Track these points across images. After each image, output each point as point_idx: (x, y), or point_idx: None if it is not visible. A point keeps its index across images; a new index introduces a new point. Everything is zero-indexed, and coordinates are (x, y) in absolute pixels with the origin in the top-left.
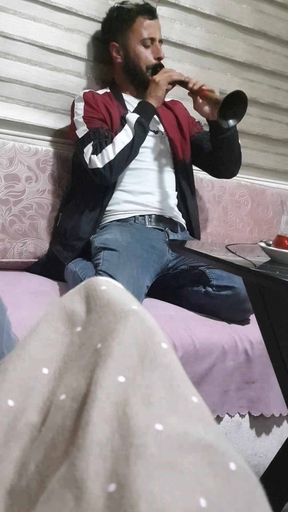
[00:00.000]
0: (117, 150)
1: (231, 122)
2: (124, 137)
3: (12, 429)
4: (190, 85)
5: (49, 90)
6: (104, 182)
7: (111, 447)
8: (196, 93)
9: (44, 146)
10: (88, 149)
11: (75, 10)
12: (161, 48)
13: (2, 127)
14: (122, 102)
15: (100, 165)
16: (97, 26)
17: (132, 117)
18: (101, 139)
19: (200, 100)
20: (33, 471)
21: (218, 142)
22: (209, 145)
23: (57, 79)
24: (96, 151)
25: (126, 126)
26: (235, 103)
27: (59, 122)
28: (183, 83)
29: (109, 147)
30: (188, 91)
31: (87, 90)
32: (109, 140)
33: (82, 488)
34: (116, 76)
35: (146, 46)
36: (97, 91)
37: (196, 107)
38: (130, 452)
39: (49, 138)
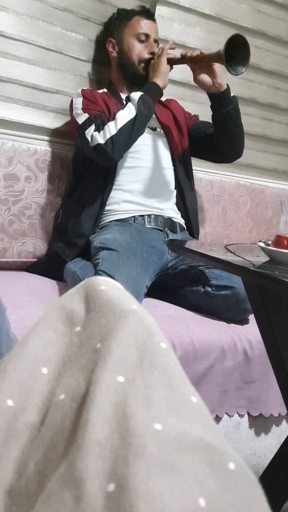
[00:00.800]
0: (119, 125)
1: (240, 68)
2: (126, 113)
3: (11, 429)
4: (188, 54)
5: (48, 90)
6: (107, 160)
7: (111, 447)
8: (195, 59)
9: (43, 146)
10: (91, 128)
11: (73, 11)
12: (156, 48)
13: (1, 127)
14: (119, 100)
15: (101, 141)
16: (95, 28)
17: (136, 95)
18: (103, 119)
19: (201, 72)
20: (33, 471)
21: (221, 117)
22: (207, 130)
23: (56, 79)
24: (99, 128)
25: (129, 104)
26: (238, 51)
27: (58, 122)
28: (180, 59)
29: (111, 123)
30: (186, 63)
31: (85, 88)
32: (112, 118)
33: (81, 488)
34: (112, 73)
35: (140, 41)
36: (96, 91)
37: (197, 79)
38: (130, 452)
39: (48, 138)
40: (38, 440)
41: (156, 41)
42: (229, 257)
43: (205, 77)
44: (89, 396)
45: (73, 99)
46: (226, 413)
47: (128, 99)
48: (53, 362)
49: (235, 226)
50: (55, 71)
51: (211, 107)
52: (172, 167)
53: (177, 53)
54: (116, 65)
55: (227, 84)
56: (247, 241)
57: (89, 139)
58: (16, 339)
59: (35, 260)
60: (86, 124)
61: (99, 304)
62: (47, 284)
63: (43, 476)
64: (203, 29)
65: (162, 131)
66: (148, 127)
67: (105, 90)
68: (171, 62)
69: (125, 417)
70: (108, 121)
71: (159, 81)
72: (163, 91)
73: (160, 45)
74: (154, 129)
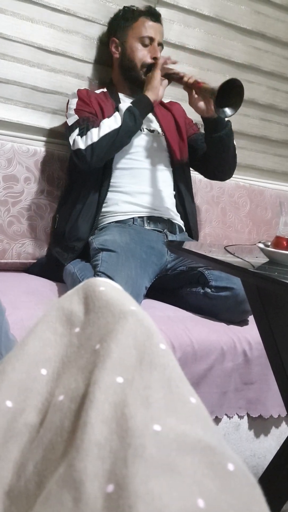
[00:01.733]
0: (102, 134)
1: (228, 111)
2: (111, 123)
3: (10, 430)
4: (185, 79)
5: (47, 91)
6: (85, 165)
7: (110, 447)
8: (191, 86)
9: (42, 147)
10: (75, 132)
11: (73, 12)
12: (160, 51)
13: (0, 128)
14: (117, 101)
15: (82, 146)
16: (95, 28)
17: (124, 106)
18: (89, 124)
19: (196, 96)
20: (32, 472)
21: (213, 141)
22: (204, 146)
23: (55, 80)
24: (82, 133)
25: (116, 113)
26: (232, 93)
27: (58, 123)
28: (178, 78)
29: (94, 130)
30: (183, 86)
31: (82, 88)
32: (97, 125)
33: (80, 489)
34: (113, 74)
35: (144, 45)
36: (94, 91)
37: (191, 102)
38: (129, 453)
39: (47, 139)
40: (37, 441)
41: (160, 44)
42: (228, 258)
43: (200, 103)
44: (88, 397)
45: (69, 99)
46: (226, 414)
47: (117, 108)
48: (52, 363)
49: (234, 227)
50: (54, 72)
51: (205, 129)
52: (171, 169)
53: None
54: (118, 66)
55: None
56: (246, 242)
57: (71, 142)
58: (16, 340)
59: (35, 261)
60: (74, 126)
61: (98, 305)
62: (47, 285)
63: (42, 477)
64: (202, 30)
65: (161, 134)
66: (146, 129)
67: (104, 90)
68: (170, 77)
69: (124, 418)
70: (93, 126)
71: (150, 94)
72: (162, 98)
73: (161, 56)
74: (152, 131)
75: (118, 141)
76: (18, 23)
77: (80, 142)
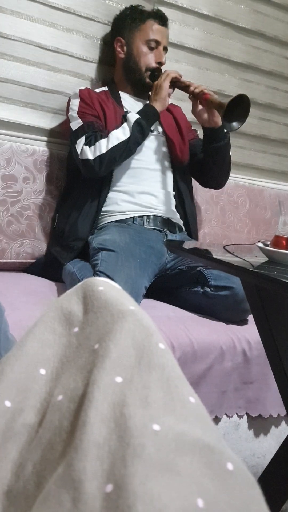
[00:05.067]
0: (110, 145)
1: (235, 125)
2: (120, 134)
3: (9, 430)
4: (192, 88)
5: (46, 91)
6: (92, 175)
7: (109, 447)
8: (197, 96)
9: (41, 147)
10: (81, 140)
11: (73, 10)
12: (165, 56)
13: None
14: (118, 99)
15: (91, 157)
16: (96, 26)
17: (132, 117)
18: (96, 132)
19: (200, 106)
20: (30, 472)
21: (211, 150)
22: (201, 154)
23: (54, 79)
24: (90, 143)
25: (125, 125)
26: (238, 107)
27: (57, 123)
28: (185, 87)
29: (103, 141)
30: (189, 94)
31: (83, 87)
32: (104, 134)
33: (79, 489)
34: (115, 73)
35: (150, 48)
36: (94, 90)
37: (195, 112)
38: (128, 453)
39: (46, 138)
40: (36, 441)
41: (165, 48)
42: (228, 258)
43: (202, 112)
44: (87, 397)
45: (70, 99)
46: (225, 414)
47: (125, 118)
48: (51, 363)
49: (234, 227)
50: (54, 72)
51: (203, 138)
52: (171, 169)
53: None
54: (122, 66)
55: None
56: (246, 241)
57: (79, 151)
58: (15, 340)
59: (34, 261)
60: (79, 132)
61: (97, 305)
62: (46, 285)
63: (41, 477)
64: (201, 29)
65: (162, 134)
66: None
67: (105, 88)
68: (175, 85)
69: (123, 418)
70: (101, 137)
71: (158, 105)
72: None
73: (167, 70)
74: (152, 131)
75: (126, 152)
76: (17, 21)
77: (89, 153)
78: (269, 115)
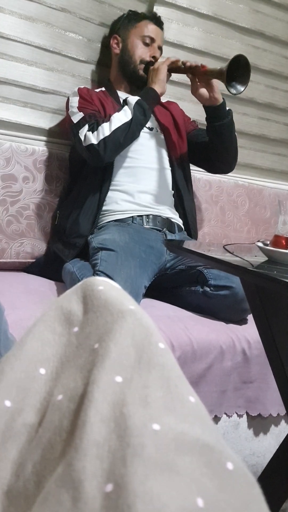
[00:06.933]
0: (113, 127)
1: (239, 87)
2: (122, 116)
3: (9, 430)
4: (188, 64)
5: (45, 91)
6: (98, 160)
7: (108, 447)
8: (195, 71)
9: (41, 147)
10: (84, 128)
11: (71, 11)
12: (159, 55)
13: None
14: (117, 98)
15: (94, 141)
16: (93, 28)
17: (132, 99)
18: (98, 120)
19: (199, 83)
20: (30, 472)
21: (216, 130)
22: (205, 141)
23: (53, 79)
24: (93, 129)
25: (126, 107)
26: (238, 70)
27: (56, 123)
28: (181, 68)
29: (105, 124)
30: (186, 75)
31: (82, 86)
32: (106, 119)
33: (79, 489)
34: (111, 71)
35: (145, 43)
36: (93, 89)
37: (195, 91)
38: (127, 452)
39: (45, 138)
40: (35, 440)
41: (160, 48)
42: (227, 257)
43: (202, 90)
44: (87, 396)
45: (70, 98)
46: (225, 413)
47: (125, 102)
48: (51, 362)
49: (233, 226)
50: (52, 72)
51: (206, 119)
52: (170, 168)
53: (178, 57)
54: (117, 62)
55: (223, 98)
56: (245, 241)
57: (82, 138)
58: (14, 340)
59: (33, 260)
60: (81, 123)
61: (97, 304)
62: (45, 285)
63: (41, 477)
64: (201, 29)
65: (160, 132)
66: (146, 127)
67: (102, 89)
68: (172, 70)
69: (123, 417)
70: (103, 121)
71: (157, 87)
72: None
73: (165, 56)
74: (151, 129)
75: (130, 134)
76: (16, 22)
77: (92, 137)
78: (269, 115)
